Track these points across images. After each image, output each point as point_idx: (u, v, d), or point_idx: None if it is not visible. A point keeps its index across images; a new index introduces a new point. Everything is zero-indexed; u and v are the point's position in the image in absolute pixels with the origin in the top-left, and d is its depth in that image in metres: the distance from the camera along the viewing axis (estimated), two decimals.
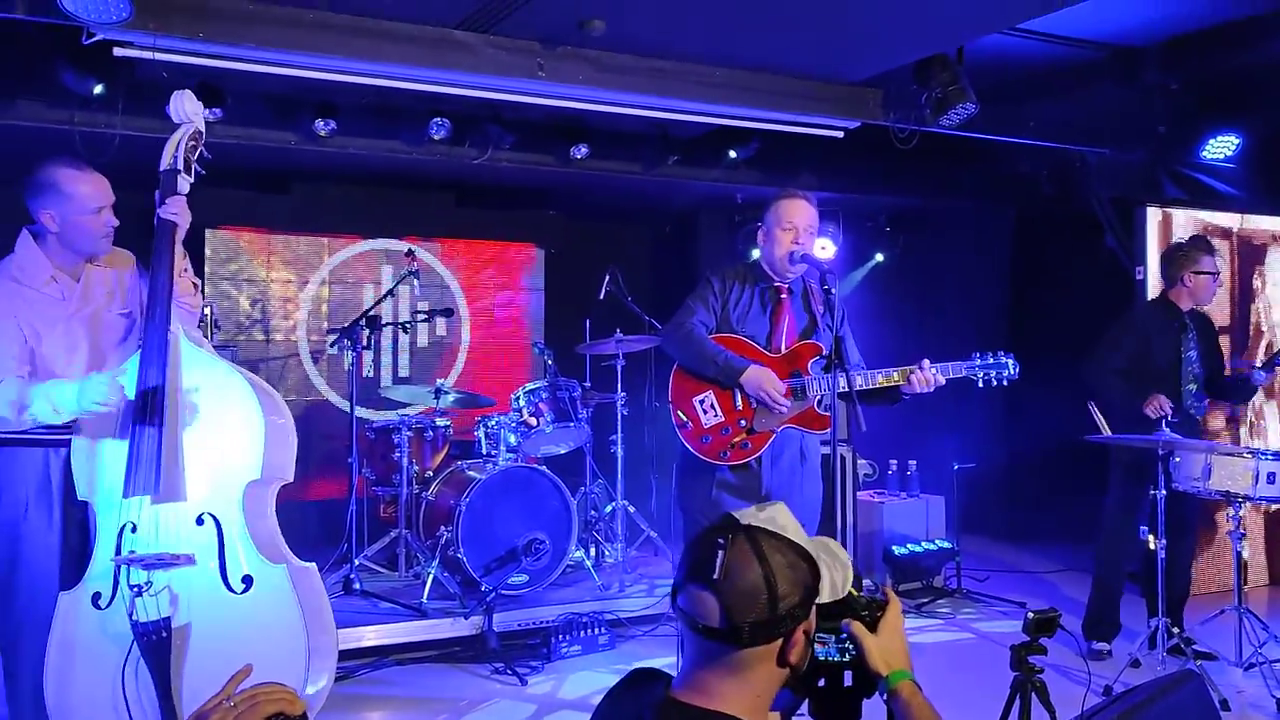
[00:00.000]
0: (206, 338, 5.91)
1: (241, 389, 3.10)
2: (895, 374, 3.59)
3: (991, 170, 7.12)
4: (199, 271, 6.67)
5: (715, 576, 1.55)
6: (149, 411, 2.97)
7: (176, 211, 3.15)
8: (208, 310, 6.14)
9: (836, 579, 1.71)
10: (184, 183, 3.21)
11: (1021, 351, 3.75)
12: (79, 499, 3.11)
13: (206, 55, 4.35)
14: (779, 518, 1.63)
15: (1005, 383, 3.66)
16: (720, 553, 1.56)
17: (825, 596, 1.66)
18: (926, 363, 3.58)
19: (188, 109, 3.30)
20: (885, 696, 1.75)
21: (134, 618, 2.89)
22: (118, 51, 4.24)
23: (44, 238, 3.14)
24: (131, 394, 2.99)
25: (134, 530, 2.98)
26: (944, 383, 3.59)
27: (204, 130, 3.33)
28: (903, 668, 1.75)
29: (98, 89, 4.86)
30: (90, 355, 3.18)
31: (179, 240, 3.17)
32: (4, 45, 4.80)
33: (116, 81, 4.85)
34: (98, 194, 3.15)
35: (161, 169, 3.20)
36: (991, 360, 3.65)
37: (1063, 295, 7.19)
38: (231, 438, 3.07)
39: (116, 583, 2.94)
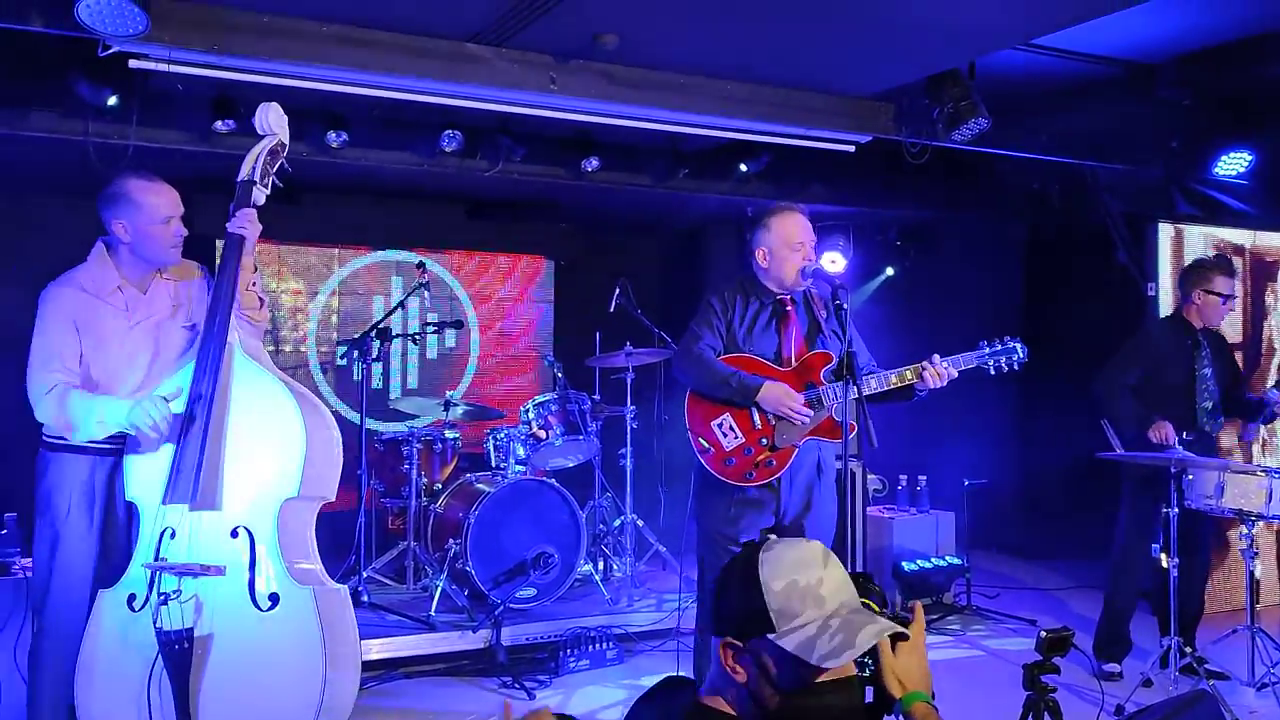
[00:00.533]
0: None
1: (287, 405, 3.12)
2: (908, 371, 3.59)
3: (1003, 185, 7.11)
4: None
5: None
6: (195, 420, 3.00)
7: (246, 225, 3.20)
8: None
9: (823, 646, 1.55)
10: (259, 194, 3.27)
11: (1032, 368, 3.74)
12: (126, 500, 3.17)
13: (221, 68, 4.37)
14: (786, 551, 1.63)
15: (1016, 367, 3.65)
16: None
17: (792, 647, 1.56)
18: (937, 357, 3.59)
19: (272, 121, 3.33)
20: (899, 718, 1.74)
21: (159, 625, 2.91)
22: (133, 64, 4.25)
23: (116, 249, 3.21)
24: (182, 406, 3.03)
25: (173, 536, 3.01)
26: (956, 375, 3.59)
27: (287, 143, 3.35)
28: (919, 689, 1.73)
29: (112, 100, 4.88)
30: (151, 366, 3.23)
31: (248, 252, 3.23)
32: (20, 57, 4.83)
33: (131, 93, 4.87)
34: (168, 204, 3.23)
35: (238, 180, 3.26)
36: (1000, 347, 3.64)
37: (1074, 311, 7.16)
38: (271, 453, 3.09)
39: (151, 587, 2.97)
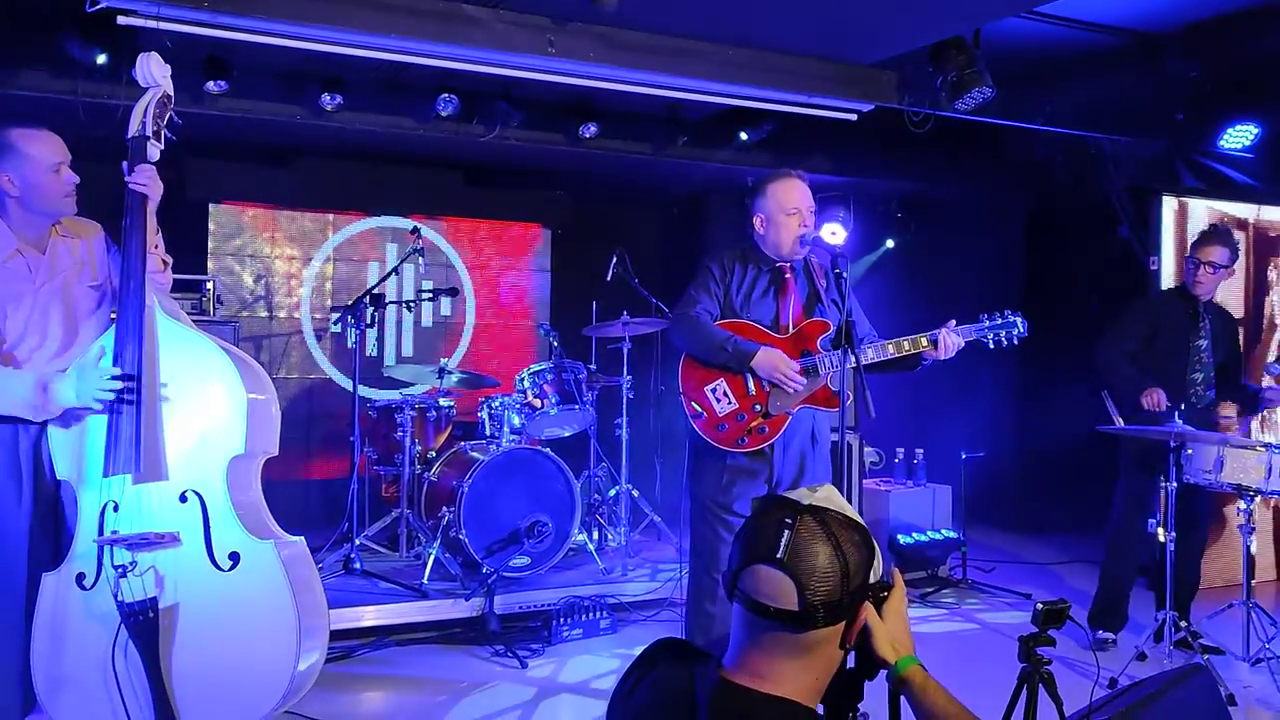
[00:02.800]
0: (209, 313, 5.90)
1: (221, 361, 3.04)
2: (906, 343, 3.56)
3: (1005, 156, 7.04)
4: (201, 246, 6.68)
5: (780, 556, 1.53)
6: (127, 393, 2.92)
7: (145, 182, 3.06)
8: (210, 285, 6.11)
9: (876, 560, 1.68)
10: (153, 149, 3.12)
11: (1032, 341, 3.70)
12: (56, 478, 3.07)
13: (211, 25, 4.29)
14: (835, 497, 1.61)
15: (1016, 341, 3.61)
16: (787, 533, 1.54)
17: (873, 576, 1.64)
18: (953, 323, 3.55)
19: (155, 72, 3.17)
20: (894, 683, 1.72)
21: (119, 598, 2.86)
22: (121, 20, 4.18)
23: (5, 209, 3.06)
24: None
25: (116, 509, 2.94)
26: (963, 345, 3.55)
27: (173, 94, 3.21)
28: (910, 653, 1.72)
29: (101, 59, 4.81)
30: (64, 328, 3.12)
31: (151, 212, 3.09)
32: (8, 13, 4.76)
33: (120, 51, 4.79)
34: (54, 150, 3.07)
35: (129, 136, 3.11)
36: (1000, 320, 3.60)
37: (1076, 284, 7.12)
38: (212, 412, 3.02)
39: (100, 563, 2.90)
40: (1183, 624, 4.49)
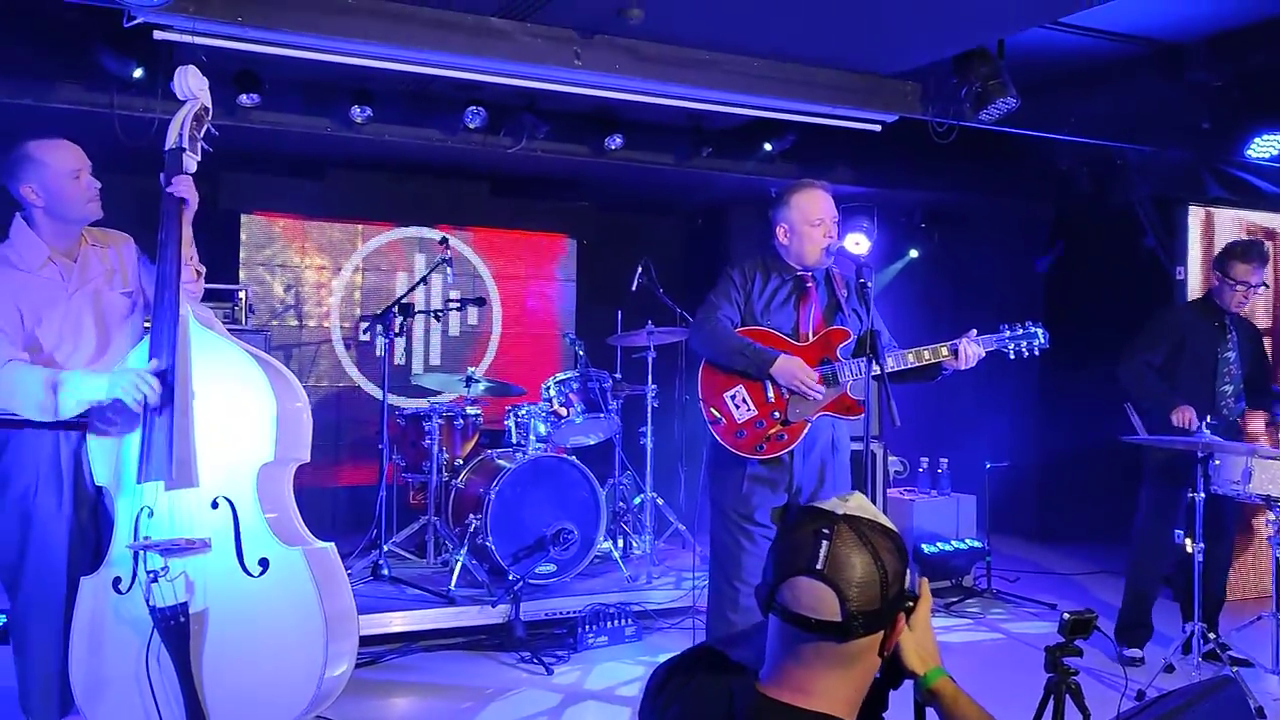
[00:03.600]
0: (241, 321, 5.98)
1: (252, 370, 3.08)
2: (927, 352, 3.57)
3: (1030, 166, 7.03)
4: (233, 256, 6.77)
5: (819, 567, 1.51)
6: (160, 397, 2.97)
7: (182, 191, 3.12)
8: (243, 294, 6.19)
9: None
10: (190, 161, 3.17)
11: (1056, 351, 3.70)
12: (95, 484, 3.12)
13: (245, 40, 4.37)
14: (867, 505, 1.60)
15: (1037, 353, 3.62)
16: (825, 543, 1.52)
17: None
18: (974, 332, 3.56)
19: (192, 85, 3.22)
20: (923, 695, 1.71)
21: (151, 603, 2.91)
22: (158, 35, 4.26)
23: (34, 220, 3.12)
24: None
25: (150, 515, 2.99)
26: (984, 355, 3.56)
27: (210, 107, 3.26)
28: (938, 665, 1.71)
29: (137, 73, 4.90)
30: (97, 335, 3.17)
31: (187, 222, 3.15)
32: (46, 28, 4.85)
33: (156, 65, 4.88)
34: (72, 157, 3.12)
35: (166, 148, 3.17)
36: (1020, 331, 3.61)
37: (1100, 295, 7.09)
38: (243, 420, 3.06)
39: (136, 568, 2.95)
40: (1211, 636, 4.47)
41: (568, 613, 5.02)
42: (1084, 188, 6.93)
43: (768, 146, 6.40)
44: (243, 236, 6.87)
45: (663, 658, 1.77)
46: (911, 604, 1.70)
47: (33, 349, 3.05)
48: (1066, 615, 2.43)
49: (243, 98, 5.26)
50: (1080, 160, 6.76)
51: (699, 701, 1.64)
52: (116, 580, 3.03)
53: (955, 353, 3.55)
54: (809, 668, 1.53)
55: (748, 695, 1.57)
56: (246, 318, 6.17)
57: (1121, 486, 5.21)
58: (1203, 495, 4.34)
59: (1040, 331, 3.62)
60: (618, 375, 6.09)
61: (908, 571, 1.62)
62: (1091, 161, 6.72)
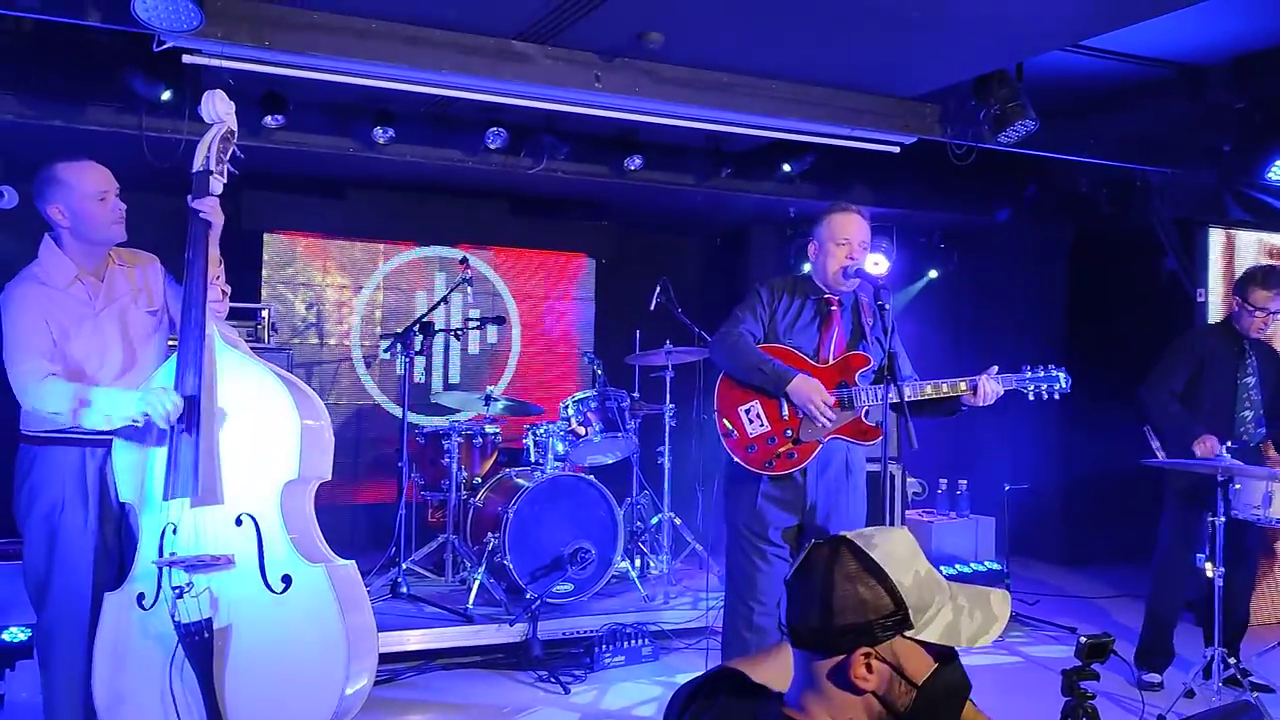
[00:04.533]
0: (263, 339, 6.04)
1: (277, 389, 3.11)
2: (945, 386, 3.56)
3: (1049, 188, 7.04)
4: (255, 274, 6.84)
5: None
6: (186, 415, 3.01)
7: (209, 213, 3.17)
8: (265, 313, 6.25)
9: (967, 627, 1.58)
10: (216, 183, 3.21)
11: (1077, 373, 3.70)
12: (120, 501, 3.16)
13: (270, 63, 4.44)
14: (889, 544, 1.56)
15: (1057, 396, 3.62)
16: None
17: (936, 637, 1.55)
18: (995, 369, 3.56)
19: (219, 108, 3.28)
20: None
21: (176, 618, 2.94)
22: (186, 59, 4.33)
23: (61, 240, 3.18)
24: None
25: (175, 532, 3.02)
26: (1002, 393, 3.57)
27: (236, 130, 3.31)
28: None
29: (165, 95, 4.98)
30: (123, 353, 3.22)
31: (214, 242, 3.20)
32: (77, 52, 4.94)
33: (184, 88, 4.96)
34: (99, 179, 3.18)
35: (194, 170, 3.22)
36: (1043, 373, 3.61)
37: (1120, 317, 7.07)
38: (267, 439, 3.09)
39: (160, 584, 2.99)
40: (1231, 661, 4.43)
41: (585, 632, 5.02)
42: (1104, 209, 6.92)
43: (786, 167, 6.43)
44: (265, 255, 6.94)
45: (680, 678, 1.78)
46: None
47: (65, 369, 3.10)
48: (1083, 639, 2.42)
49: (267, 119, 5.33)
50: (1100, 182, 6.75)
51: (728, 717, 1.63)
52: (140, 596, 3.06)
53: (974, 389, 3.55)
54: (804, 685, 1.56)
55: (774, 718, 1.57)
56: (269, 336, 6.23)
57: (1143, 510, 5.18)
58: (1223, 519, 4.32)
59: (1062, 375, 3.61)
60: (635, 394, 6.11)
61: (908, 617, 1.54)
62: (1111, 183, 6.71)
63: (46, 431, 3.12)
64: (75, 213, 3.14)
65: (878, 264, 7.26)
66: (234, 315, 5.78)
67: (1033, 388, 3.62)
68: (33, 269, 3.17)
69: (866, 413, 3.60)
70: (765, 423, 3.60)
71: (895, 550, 1.57)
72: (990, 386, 3.53)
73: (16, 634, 4.13)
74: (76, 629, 3.12)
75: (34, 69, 4.96)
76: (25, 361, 3.03)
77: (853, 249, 3.65)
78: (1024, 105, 5.15)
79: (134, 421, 3.01)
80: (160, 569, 2.99)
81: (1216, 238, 6.08)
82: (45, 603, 3.15)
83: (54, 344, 3.09)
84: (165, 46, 4.20)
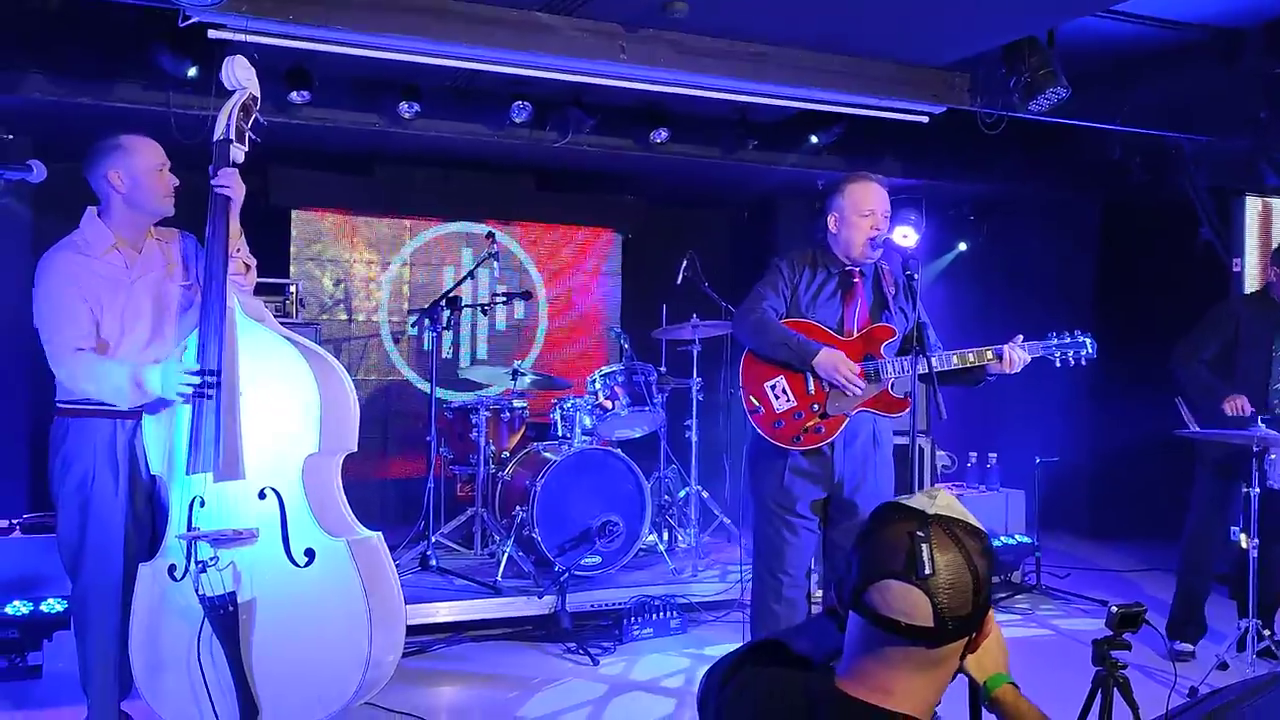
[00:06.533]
0: (292, 315, 6.07)
1: (297, 363, 3.10)
2: (971, 355, 3.54)
3: (1081, 157, 6.93)
4: (284, 251, 6.87)
5: (927, 572, 1.47)
6: (208, 389, 3.03)
7: (228, 184, 3.18)
8: (293, 289, 6.29)
9: None
10: (237, 152, 3.21)
11: (1108, 345, 3.66)
12: (150, 473, 3.20)
13: (296, 37, 4.44)
14: (955, 504, 1.54)
15: (1084, 362, 3.59)
16: (924, 546, 1.48)
17: None
18: (1020, 338, 3.53)
19: (239, 75, 3.25)
20: (985, 702, 1.70)
21: (200, 592, 2.97)
22: (212, 34, 4.34)
23: (108, 210, 3.22)
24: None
25: (202, 505, 3.05)
26: (1029, 360, 3.54)
27: (259, 96, 3.30)
28: (1000, 671, 1.69)
29: (192, 71, 4.99)
30: (153, 323, 3.24)
31: (234, 215, 3.21)
32: (104, 29, 4.96)
33: (210, 64, 4.96)
34: (158, 153, 3.25)
35: (214, 140, 3.22)
36: (1069, 340, 3.58)
37: (1153, 287, 6.98)
38: (288, 412, 3.09)
39: (189, 557, 3.02)
40: (1266, 633, 4.40)
41: (613, 604, 5.04)
42: (1137, 178, 6.82)
43: (814, 139, 6.37)
44: (293, 232, 6.97)
45: (708, 650, 1.78)
46: None
47: (97, 336, 3.14)
48: (1114, 608, 2.41)
49: (293, 94, 5.34)
50: (1133, 150, 6.65)
51: (774, 692, 1.61)
52: (171, 568, 3.10)
53: (1000, 357, 3.52)
54: (894, 668, 1.50)
55: (826, 690, 1.55)
56: (297, 311, 6.27)
57: (1175, 482, 5.13)
58: (1257, 490, 4.27)
59: (1088, 341, 3.58)
60: (663, 368, 6.10)
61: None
62: (1145, 152, 6.61)
63: (78, 403, 3.16)
64: (134, 180, 3.19)
65: (906, 236, 7.20)
66: (262, 291, 5.79)
67: (1059, 354, 3.59)
68: (72, 237, 3.21)
69: (893, 385, 3.58)
70: (791, 398, 3.58)
71: (959, 505, 1.55)
72: (1016, 354, 3.51)
73: (53, 605, 4.20)
74: (109, 597, 3.16)
75: (62, 47, 4.99)
76: (60, 332, 3.08)
77: (877, 219, 3.61)
78: (1055, 72, 5.07)
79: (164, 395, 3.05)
80: (188, 542, 3.02)
81: (1253, 206, 5.99)
82: (79, 571, 3.20)
83: (90, 314, 3.13)
84: (190, 22, 4.21)
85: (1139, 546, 6.95)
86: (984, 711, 1.73)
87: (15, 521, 4.57)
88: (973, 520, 1.55)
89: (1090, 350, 3.58)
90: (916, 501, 1.55)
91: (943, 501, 1.54)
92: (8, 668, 4.19)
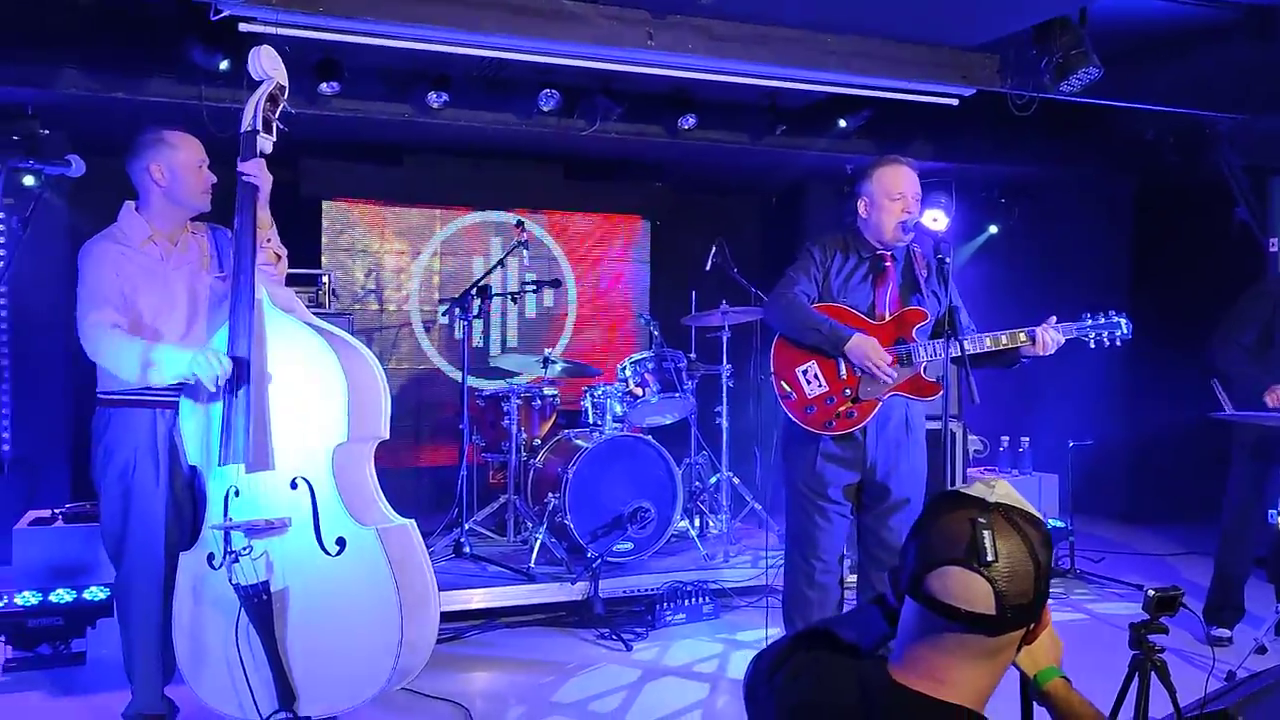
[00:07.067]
0: (324, 305, 6.12)
1: (324, 353, 3.12)
2: (1004, 337, 3.53)
3: (1114, 137, 6.86)
4: (315, 241, 6.93)
5: (989, 559, 1.45)
6: (238, 380, 3.06)
7: (255, 174, 3.21)
8: (325, 279, 6.33)
9: None
10: (265, 142, 3.25)
11: (1143, 327, 3.63)
12: (188, 464, 3.25)
13: (326, 29, 4.47)
14: (1014, 493, 1.53)
15: (1119, 343, 3.56)
16: (986, 533, 1.46)
17: None
18: (1053, 319, 3.52)
19: (266, 64, 3.29)
20: (1035, 695, 1.69)
21: (234, 581, 3.01)
22: (243, 27, 4.37)
23: (147, 203, 3.27)
24: None
25: (237, 495, 3.09)
26: (1063, 342, 3.52)
27: (286, 85, 3.32)
28: (1051, 664, 1.68)
29: (224, 65, 5.03)
30: (188, 314, 3.29)
31: (262, 205, 3.24)
32: (137, 25, 5.02)
33: (241, 57, 4.99)
34: (199, 149, 3.32)
35: (241, 131, 3.26)
36: (1103, 320, 3.55)
37: (1188, 268, 6.90)
38: (316, 403, 3.11)
39: (226, 546, 3.06)
40: None
41: (646, 590, 5.07)
42: (1171, 159, 6.74)
43: (843, 123, 6.34)
44: (324, 223, 7.02)
45: (741, 635, 1.78)
46: None
47: (132, 322, 3.19)
48: (1151, 592, 2.39)
49: (323, 86, 5.37)
50: (1167, 130, 6.57)
51: (826, 680, 1.60)
52: (210, 557, 3.15)
53: (1033, 339, 3.51)
54: (950, 657, 1.49)
55: (879, 679, 1.53)
56: (330, 302, 6.32)
57: (1212, 465, 5.08)
58: None
59: (1123, 321, 3.55)
60: (692, 355, 6.10)
61: None
62: (1179, 131, 6.52)
63: (119, 393, 3.22)
64: (174, 174, 3.24)
65: (937, 220, 7.15)
66: (295, 281, 5.87)
67: (1093, 335, 3.57)
68: (111, 229, 3.28)
69: (925, 368, 3.57)
70: (823, 383, 3.58)
71: (1018, 494, 1.54)
72: (1050, 336, 3.50)
73: (96, 593, 4.28)
74: (152, 584, 3.22)
75: (97, 43, 5.05)
76: (92, 312, 3.12)
77: (908, 203, 3.60)
78: (1087, 52, 5.00)
79: (185, 379, 3.07)
80: (224, 532, 3.07)
81: None
82: (122, 559, 3.27)
83: (123, 297, 3.18)
84: (222, 15, 4.24)
85: (1176, 531, 6.89)
86: (1034, 706, 1.71)
87: (58, 511, 4.65)
88: (1032, 509, 1.53)
89: (1125, 331, 3.55)
90: (976, 490, 1.53)
91: (1002, 490, 1.53)
92: (52, 654, 4.27)
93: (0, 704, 3.83)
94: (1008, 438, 6.49)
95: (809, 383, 3.60)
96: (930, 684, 1.49)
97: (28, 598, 4.23)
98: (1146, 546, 6.70)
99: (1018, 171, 7.59)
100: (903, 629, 1.54)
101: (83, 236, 3.30)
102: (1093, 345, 3.58)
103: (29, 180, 5.28)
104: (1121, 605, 5.34)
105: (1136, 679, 2.40)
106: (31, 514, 4.70)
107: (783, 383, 3.63)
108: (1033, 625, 1.52)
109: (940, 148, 6.87)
